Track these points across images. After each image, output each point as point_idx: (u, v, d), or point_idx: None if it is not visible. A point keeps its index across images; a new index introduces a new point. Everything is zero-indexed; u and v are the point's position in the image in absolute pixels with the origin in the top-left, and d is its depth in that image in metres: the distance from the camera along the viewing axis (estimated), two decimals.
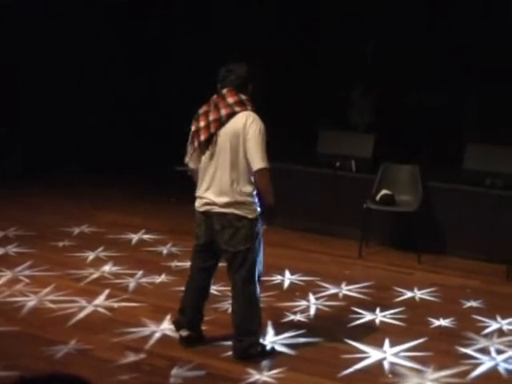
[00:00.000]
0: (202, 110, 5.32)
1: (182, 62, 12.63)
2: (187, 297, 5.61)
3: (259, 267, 5.41)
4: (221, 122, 5.17)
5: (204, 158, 5.29)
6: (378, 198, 8.31)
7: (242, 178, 5.18)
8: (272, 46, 12.12)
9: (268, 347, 5.55)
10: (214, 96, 5.31)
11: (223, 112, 5.17)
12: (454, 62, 11.43)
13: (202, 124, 5.24)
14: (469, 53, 11.26)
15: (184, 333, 5.57)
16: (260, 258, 5.40)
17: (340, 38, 11.99)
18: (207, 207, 5.27)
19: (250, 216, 5.19)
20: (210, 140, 5.21)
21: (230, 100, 5.19)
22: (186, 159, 5.47)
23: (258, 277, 5.43)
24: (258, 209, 5.26)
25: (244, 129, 5.11)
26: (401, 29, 11.73)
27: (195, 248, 5.54)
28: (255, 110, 5.23)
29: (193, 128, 5.32)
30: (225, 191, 5.18)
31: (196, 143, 5.28)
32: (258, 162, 5.09)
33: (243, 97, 5.23)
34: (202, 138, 5.22)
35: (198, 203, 5.36)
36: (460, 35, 11.26)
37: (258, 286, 5.42)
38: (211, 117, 5.20)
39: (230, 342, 5.48)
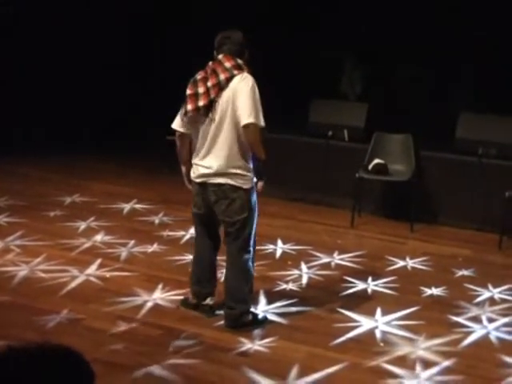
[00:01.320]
0: (199, 76, 5.24)
1: (177, 36, 12.52)
2: (200, 269, 5.63)
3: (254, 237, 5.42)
4: (220, 87, 5.11)
5: (203, 125, 5.20)
6: (370, 167, 8.29)
7: (242, 148, 5.13)
8: (265, 15, 12.04)
9: (260, 316, 5.56)
10: (210, 62, 5.26)
11: (222, 76, 5.11)
12: (449, 30, 11.36)
13: (200, 90, 5.16)
14: (465, 22, 11.21)
15: (211, 301, 5.59)
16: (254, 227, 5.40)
17: (334, 10, 11.92)
18: (203, 179, 5.23)
19: (244, 186, 5.15)
20: (210, 106, 5.13)
21: (228, 64, 5.14)
22: (175, 123, 5.40)
23: (253, 246, 5.43)
24: (254, 179, 5.24)
25: (237, 89, 5.07)
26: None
27: (197, 217, 5.50)
28: (252, 73, 5.18)
29: (188, 92, 5.22)
30: (223, 158, 5.12)
31: (191, 107, 5.19)
32: (245, 116, 5.00)
33: (240, 61, 5.18)
34: (201, 103, 5.14)
35: (194, 173, 5.31)
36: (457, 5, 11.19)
37: (252, 255, 5.42)
38: (210, 82, 5.14)
39: (222, 312, 5.49)
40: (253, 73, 5.19)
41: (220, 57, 5.21)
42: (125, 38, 12.93)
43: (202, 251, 5.60)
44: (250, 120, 5.01)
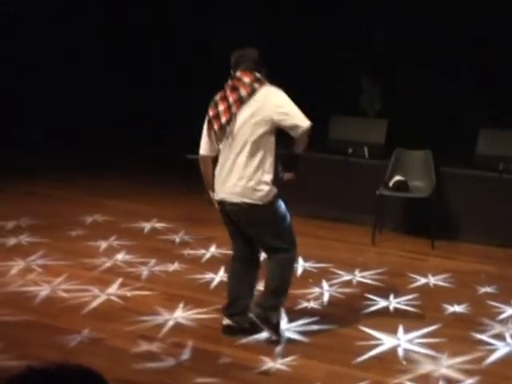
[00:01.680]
0: (218, 96, 5.25)
1: (192, 45, 12.59)
2: (230, 287, 5.64)
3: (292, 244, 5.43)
4: (242, 101, 5.10)
5: (224, 141, 5.21)
6: (391, 184, 8.27)
7: (264, 164, 5.12)
8: (283, 33, 12.07)
9: (282, 332, 5.53)
10: (228, 81, 5.26)
11: (243, 92, 5.11)
12: (466, 46, 11.34)
13: (221, 108, 5.16)
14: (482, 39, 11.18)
15: (226, 321, 5.59)
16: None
17: (348, 25, 11.93)
18: (221, 196, 5.24)
19: (260, 203, 5.13)
20: (231, 121, 5.13)
21: (247, 79, 5.14)
22: (201, 149, 5.42)
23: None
24: (274, 191, 5.19)
25: (267, 103, 5.06)
26: (408, 14, 11.67)
27: (228, 231, 5.53)
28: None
29: (211, 113, 5.23)
30: (243, 175, 5.11)
31: (217, 127, 5.19)
32: (303, 122, 5.06)
33: (258, 75, 5.19)
34: (224, 119, 5.14)
35: (215, 192, 5.31)
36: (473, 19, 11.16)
37: (293, 259, 5.47)
38: (231, 99, 5.13)
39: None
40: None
41: (238, 74, 5.21)
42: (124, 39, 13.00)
43: (232, 267, 5.63)
44: (308, 123, 5.08)
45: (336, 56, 11.84)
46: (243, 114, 5.10)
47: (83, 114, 12.52)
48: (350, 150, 8.97)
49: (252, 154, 5.10)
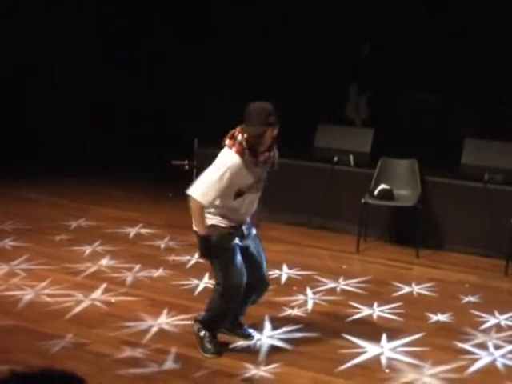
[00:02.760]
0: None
1: (179, 61, 12.59)
2: None
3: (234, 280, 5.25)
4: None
5: None
6: (376, 192, 8.28)
7: (216, 207, 5.13)
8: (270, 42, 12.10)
9: (209, 351, 5.37)
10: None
11: (226, 141, 5.14)
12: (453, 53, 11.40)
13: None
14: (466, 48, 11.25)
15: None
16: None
17: (337, 35, 11.96)
18: None
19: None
20: None
21: (236, 132, 5.11)
22: None
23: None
24: (220, 224, 5.17)
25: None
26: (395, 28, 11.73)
27: None
28: (240, 153, 5.02)
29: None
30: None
31: None
32: (195, 189, 5.00)
33: (240, 137, 5.06)
34: None
35: None
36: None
37: (225, 298, 5.25)
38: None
39: (225, 337, 5.49)
40: (241, 152, 5.02)
41: (241, 125, 5.15)
42: (130, 64, 13.00)
43: None
44: (194, 194, 4.98)
45: (326, 65, 11.86)
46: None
47: (69, 119, 12.49)
48: (336, 158, 8.98)
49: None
